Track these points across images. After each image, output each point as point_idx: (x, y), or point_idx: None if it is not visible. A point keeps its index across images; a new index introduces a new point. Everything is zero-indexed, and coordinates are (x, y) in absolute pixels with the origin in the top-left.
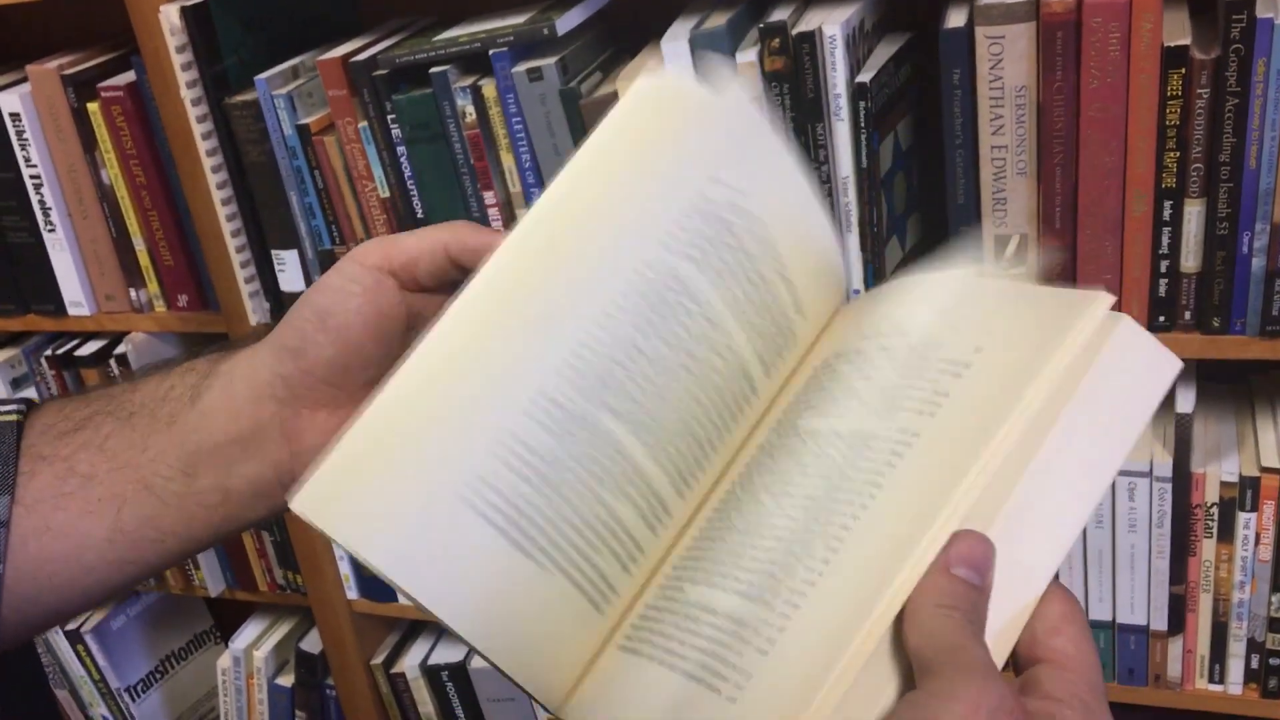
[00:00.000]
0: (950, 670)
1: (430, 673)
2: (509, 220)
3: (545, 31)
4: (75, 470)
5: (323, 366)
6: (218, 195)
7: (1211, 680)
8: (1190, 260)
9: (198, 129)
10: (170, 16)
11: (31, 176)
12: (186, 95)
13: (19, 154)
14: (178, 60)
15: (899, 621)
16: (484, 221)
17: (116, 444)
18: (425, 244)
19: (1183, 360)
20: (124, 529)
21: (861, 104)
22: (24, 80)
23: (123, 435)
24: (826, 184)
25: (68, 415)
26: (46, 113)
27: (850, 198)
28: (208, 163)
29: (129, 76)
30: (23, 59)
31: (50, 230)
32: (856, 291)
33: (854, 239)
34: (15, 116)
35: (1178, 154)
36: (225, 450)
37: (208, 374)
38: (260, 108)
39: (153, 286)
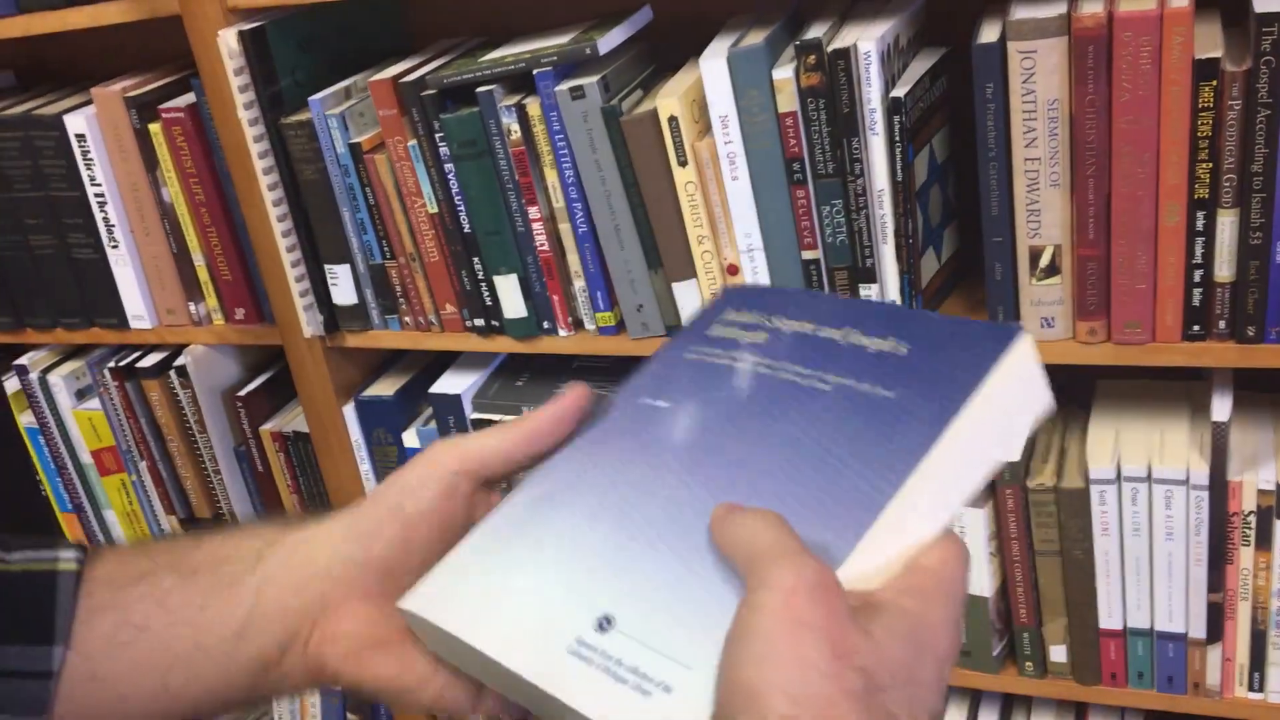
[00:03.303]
0: (763, 563)
1: None
2: (552, 234)
3: (588, 51)
4: (130, 621)
5: (385, 556)
6: (273, 212)
7: (1251, 689)
8: (1224, 270)
9: (254, 148)
10: (229, 40)
11: (96, 195)
12: (244, 116)
13: (84, 173)
14: (235, 82)
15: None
16: (527, 234)
17: (176, 600)
18: (498, 445)
19: (1218, 369)
20: (170, 687)
21: (896, 118)
22: (89, 103)
23: (183, 592)
24: (862, 197)
25: (129, 566)
26: (110, 134)
27: (886, 210)
28: (264, 181)
29: (189, 98)
30: (88, 82)
31: (114, 247)
32: (892, 301)
33: (890, 251)
34: (81, 137)
35: (1210, 165)
36: (273, 620)
37: (272, 542)
38: (314, 127)
39: (211, 300)
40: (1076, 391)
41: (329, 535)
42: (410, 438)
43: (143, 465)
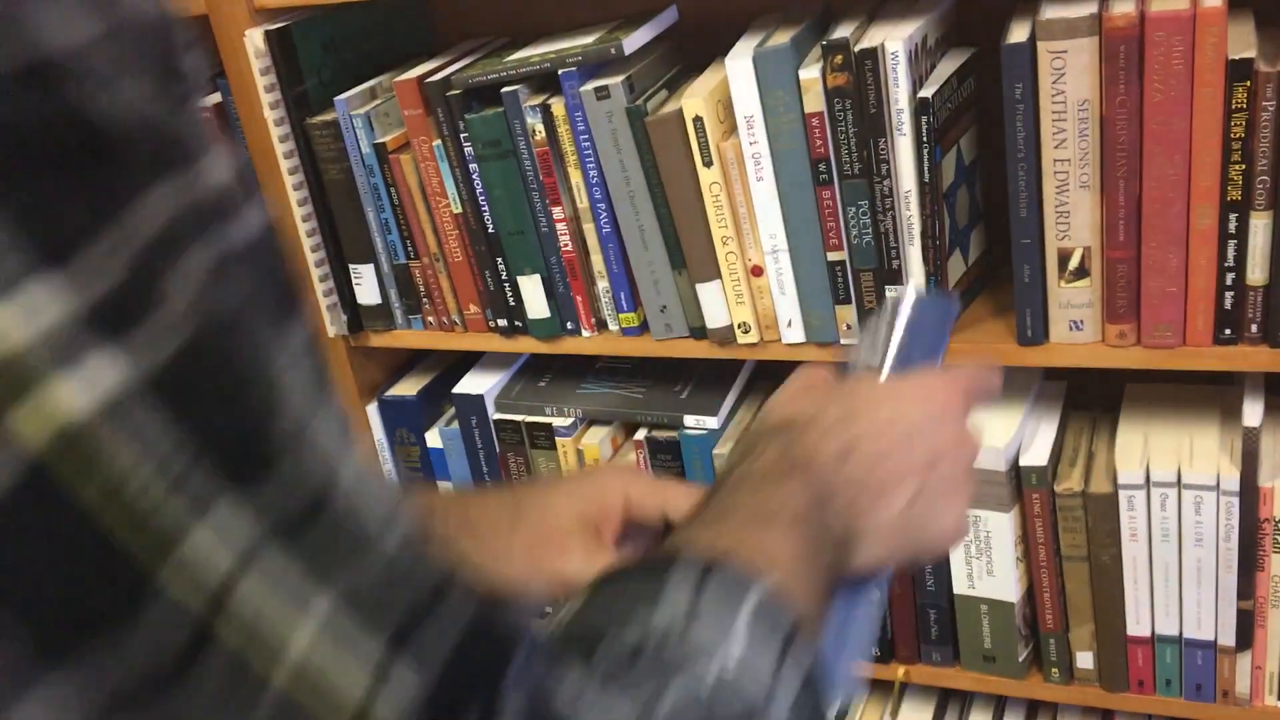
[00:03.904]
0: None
1: None
2: (576, 234)
3: (613, 51)
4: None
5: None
6: (298, 211)
7: None
8: (1257, 273)
9: (280, 148)
10: (255, 40)
11: None
12: (269, 116)
13: None
14: (261, 82)
15: None
16: (551, 235)
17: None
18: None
19: (1249, 373)
20: None
21: (924, 119)
22: None
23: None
24: (889, 198)
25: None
26: None
27: (913, 211)
28: (289, 180)
29: (215, 98)
30: None
31: None
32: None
33: (916, 252)
34: None
35: (1243, 167)
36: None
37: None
38: (339, 127)
39: None
40: (1105, 395)
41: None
42: (433, 438)
43: None
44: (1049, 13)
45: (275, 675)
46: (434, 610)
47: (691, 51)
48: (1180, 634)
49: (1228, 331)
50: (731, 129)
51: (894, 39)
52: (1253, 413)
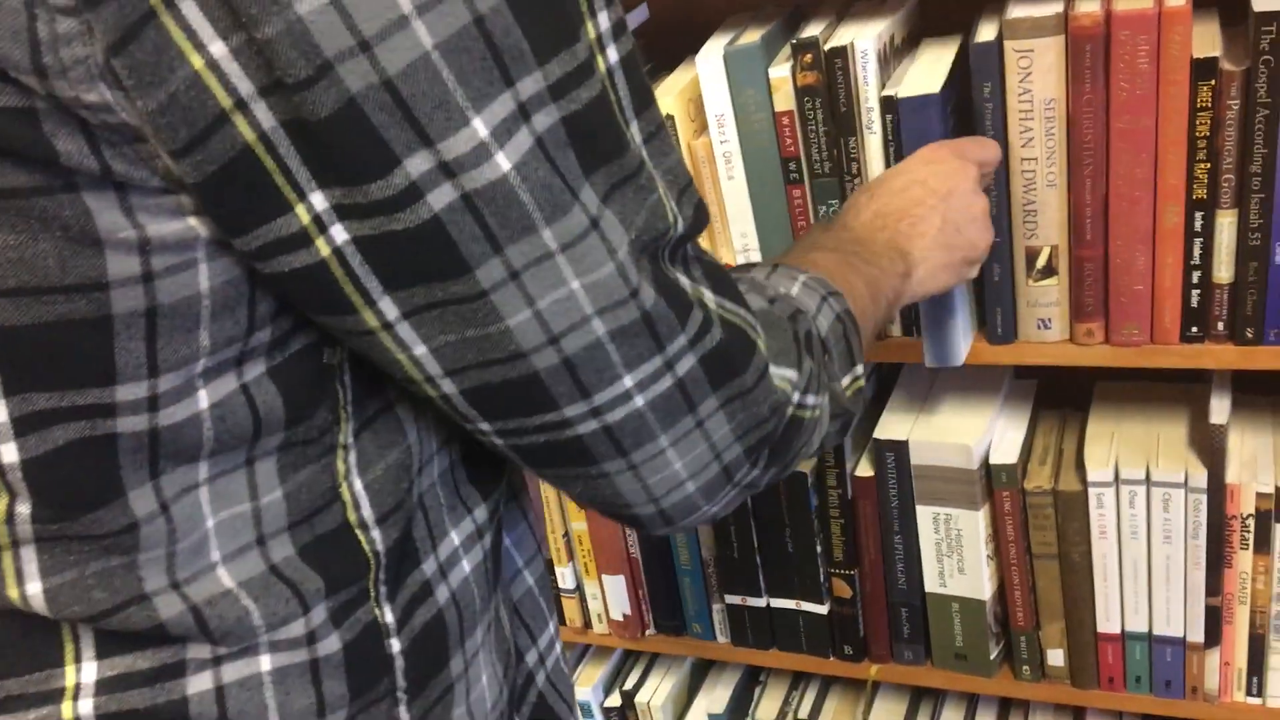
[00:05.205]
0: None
1: None
2: None
3: None
4: None
5: None
6: None
7: (1249, 693)
8: (1223, 271)
9: None
10: None
11: None
12: None
13: None
14: None
15: None
16: None
17: None
18: None
19: (1216, 371)
20: None
21: (892, 117)
22: None
23: None
24: None
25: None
26: None
27: None
28: None
29: None
30: None
31: None
32: None
33: None
34: None
35: (1208, 165)
36: None
37: None
38: None
39: None
40: (1074, 393)
41: None
42: None
43: None
44: (1015, 12)
45: (646, 174)
46: (691, 191)
47: (662, 50)
48: (1150, 631)
49: (1195, 329)
50: (702, 128)
51: (864, 38)
52: (1220, 410)
